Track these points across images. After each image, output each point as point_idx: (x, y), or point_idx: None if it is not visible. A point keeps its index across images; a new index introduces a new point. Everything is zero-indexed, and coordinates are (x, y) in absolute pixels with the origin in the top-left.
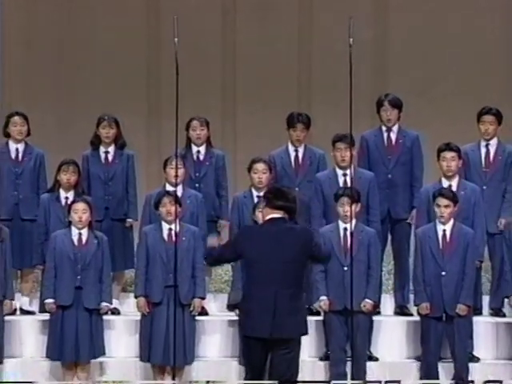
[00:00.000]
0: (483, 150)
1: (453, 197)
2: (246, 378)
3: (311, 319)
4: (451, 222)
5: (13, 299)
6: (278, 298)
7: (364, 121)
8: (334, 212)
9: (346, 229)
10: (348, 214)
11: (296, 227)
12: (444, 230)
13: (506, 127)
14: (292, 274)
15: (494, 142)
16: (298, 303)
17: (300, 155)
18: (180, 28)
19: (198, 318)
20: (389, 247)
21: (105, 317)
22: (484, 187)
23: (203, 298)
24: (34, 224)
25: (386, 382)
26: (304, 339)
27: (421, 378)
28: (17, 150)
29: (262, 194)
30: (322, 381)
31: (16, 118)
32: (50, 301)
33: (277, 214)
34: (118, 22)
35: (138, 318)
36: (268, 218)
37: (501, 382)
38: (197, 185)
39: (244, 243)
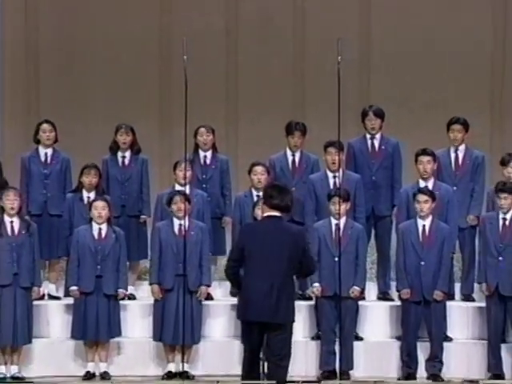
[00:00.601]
0: (453, 155)
1: (431, 194)
2: (244, 357)
3: (305, 303)
4: (430, 218)
5: (40, 286)
6: (272, 288)
7: (351, 129)
8: (325, 209)
9: (337, 224)
10: (338, 211)
11: (292, 226)
12: (424, 225)
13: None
14: (285, 268)
15: (462, 148)
16: (290, 293)
17: (297, 159)
18: (188, 46)
19: (204, 302)
20: (372, 240)
21: (121, 302)
22: (454, 187)
23: (209, 286)
24: (60, 219)
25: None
26: (298, 321)
27: (401, 356)
28: (46, 154)
29: (261, 193)
30: (313, 381)
31: (45, 126)
32: (74, 288)
33: (274, 213)
34: (133, 42)
35: (151, 302)
36: (266, 215)
37: (477, 381)
38: (203, 185)
39: (245, 238)
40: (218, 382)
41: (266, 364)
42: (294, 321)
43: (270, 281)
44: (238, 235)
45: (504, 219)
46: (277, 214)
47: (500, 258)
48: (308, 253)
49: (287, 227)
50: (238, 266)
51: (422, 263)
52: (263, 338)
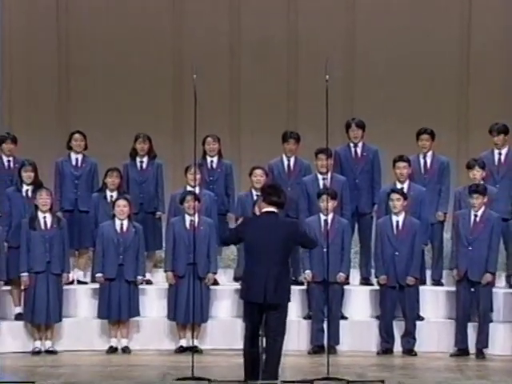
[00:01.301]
0: (422, 161)
1: (402, 193)
2: (245, 333)
3: (298, 288)
4: (403, 214)
5: (69, 272)
6: (269, 274)
7: (337, 138)
8: (316, 207)
9: (325, 220)
10: (327, 208)
11: (286, 220)
12: (397, 221)
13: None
14: (280, 256)
15: (429, 154)
16: (285, 278)
17: (291, 164)
18: (197, 66)
19: (211, 287)
20: (356, 234)
21: (140, 286)
22: (424, 188)
23: (215, 273)
24: (87, 215)
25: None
26: (292, 303)
27: (380, 333)
28: (76, 159)
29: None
30: (305, 380)
31: (76, 136)
32: (100, 274)
33: (271, 208)
34: (149, 63)
35: (166, 287)
36: (264, 210)
37: (467, 353)
38: (211, 186)
39: (245, 230)
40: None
41: (264, 340)
42: (289, 301)
43: (268, 267)
44: (239, 225)
45: (475, 215)
46: (274, 209)
47: (470, 248)
48: (306, 235)
49: (282, 221)
50: (229, 244)
51: (397, 253)
52: (262, 317)
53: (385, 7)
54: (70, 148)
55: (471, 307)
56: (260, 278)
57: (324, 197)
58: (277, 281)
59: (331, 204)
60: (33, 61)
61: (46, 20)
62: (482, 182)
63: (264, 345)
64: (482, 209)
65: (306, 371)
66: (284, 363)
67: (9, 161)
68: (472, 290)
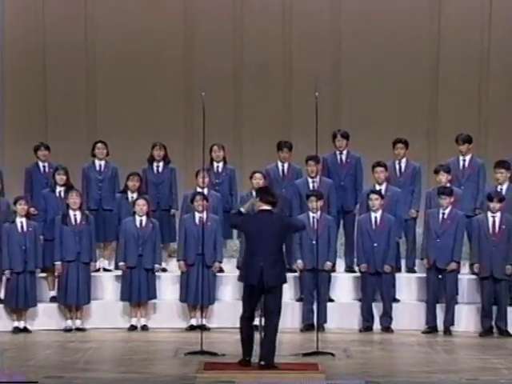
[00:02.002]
0: (397, 166)
1: (379, 193)
2: (242, 314)
3: (292, 275)
4: (380, 211)
5: (96, 261)
6: (266, 260)
7: (325, 147)
8: (307, 206)
9: (314, 217)
10: (315, 207)
11: (278, 215)
12: (375, 217)
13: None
14: (274, 246)
15: (404, 160)
16: (280, 264)
17: (285, 169)
18: (205, 85)
19: (217, 274)
20: (341, 228)
21: (157, 273)
22: (399, 190)
23: (221, 262)
24: (111, 213)
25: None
26: (286, 288)
27: (362, 313)
28: (100, 165)
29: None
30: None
31: (99, 145)
32: (122, 263)
33: (266, 207)
34: (164, 81)
35: (179, 274)
36: (260, 208)
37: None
38: (217, 188)
39: (246, 224)
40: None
41: (262, 319)
42: (285, 282)
43: (265, 255)
44: (242, 219)
45: (443, 213)
46: (269, 207)
47: (438, 241)
48: (295, 222)
49: (276, 216)
50: (235, 226)
51: (375, 245)
52: (260, 298)
53: (365, 35)
54: (94, 155)
55: (439, 291)
56: (258, 263)
57: (312, 198)
58: (273, 266)
59: (318, 204)
60: (65, 79)
61: (76, 42)
62: (448, 185)
63: (263, 323)
64: (449, 208)
65: (298, 346)
66: (280, 339)
67: (44, 166)
68: (440, 276)
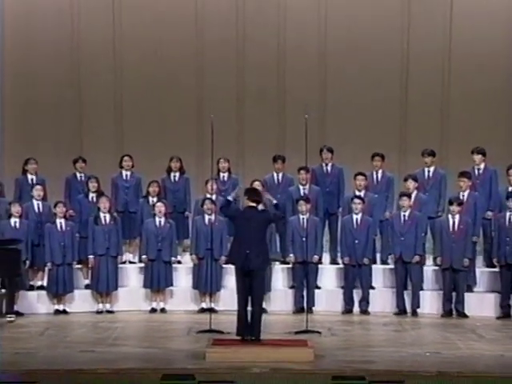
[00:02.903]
0: (374, 176)
1: (361, 199)
2: (238, 297)
3: (285, 266)
4: (360, 214)
5: (122, 255)
6: (250, 249)
7: (314, 159)
8: (297, 209)
9: (303, 218)
10: (304, 210)
11: (261, 210)
12: (356, 218)
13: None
14: (258, 235)
15: (380, 171)
16: (262, 251)
17: (280, 178)
18: (213, 108)
19: (223, 266)
20: (326, 228)
21: (173, 265)
22: (376, 195)
23: (226, 256)
24: (135, 215)
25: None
26: (279, 277)
27: (344, 298)
28: (126, 175)
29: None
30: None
31: (126, 158)
32: (144, 256)
33: (252, 204)
34: (180, 105)
35: (191, 266)
36: (248, 205)
37: (405, 313)
38: (223, 194)
39: (237, 217)
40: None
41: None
42: (268, 265)
43: (250, 243)
44: (236, 211)
45: (404, 215)
46: (254, 204)
47: (402, 238)
48: (274, 215)
49: (259, 211)
50: (228, 213)
51: (356, 241)
52: (248, 282)
53: (346, 66)
54: (121, 167)
55: (406, 280)
56: (245, 251)
57: (301, 202)
58: (257, 253)
59: (307, 207)
60: (97, 103)
61: (106, 66)
62: (410, 191)
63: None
64: (409, 210)
65: (290, 326)
66: (276, 320)
67: (80, 176)
68: (406, 267)
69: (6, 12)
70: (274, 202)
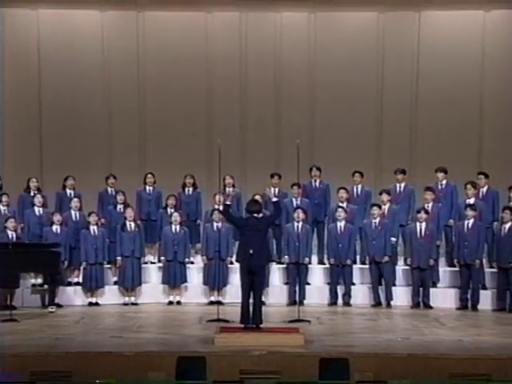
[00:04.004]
0: (355, 190)
1: (344, 209)
2: (243, 292)
3: (281, 266)
4: (344, 221)
5: (145, 256)
6: (254, 249)
7: (305, 176)
8: (292, 218)
9: (297, 226)
10: (300, 218)
11: (261, 217)
12: (340, 226)
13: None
14: (260, 240)
15: (360, 186)
16: (264, 251)
17: (277, 192)
18: (221, 134)
19: (229, 265)
20: (315, 234)
21: (187, 265)
22: (356, 207)
23: (232, 257)
24: (155, 222)
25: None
26: (276, 274)
27: (330, 292)
28: (149, 189)
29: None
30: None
31: (149, 175)
32: (163, 258)
33: (253, 213)
34: (187, 125)
35: (202, 265)
36: (250, 214)
37: (381, 304)
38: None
39: (241, 225)
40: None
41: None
42: (268, 263)
43: (253, 245)
44: (239, 219)
45: (375, 223)
46: (256, 215)
47: (374, 242)
48: (270, 218)
49: (259, 219)
50: (232, 217)
51: (340, 245)
52: (251, 279)
53: (331, 98)
54: (145, 183)
55: (380, 277)
56: (249, 251)
57: (299, 210)
58: (259, 253)
59: (301, 216)
60: (125, 131)
61: (129, 104)
62: (384, 203)
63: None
64: (379, 218)
65: (285, 315)
66: (273, 311)
67: (111, 190)
68: (379, 266)
69: (50, 62)
70: (274, 199)
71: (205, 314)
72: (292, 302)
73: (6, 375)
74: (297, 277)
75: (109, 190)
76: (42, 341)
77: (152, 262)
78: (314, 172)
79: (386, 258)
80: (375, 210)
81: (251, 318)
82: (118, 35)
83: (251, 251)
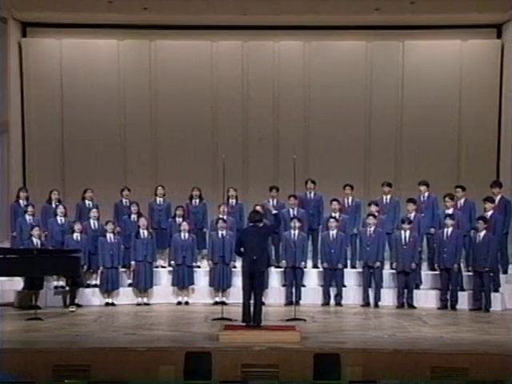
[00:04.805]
0: (346, 201)
1: (335, 218)
2: (244, 294)
3: (279, 270)
4: (335, 229)
5: (156, 261)
6: (257, 255)
7: (301, 189)
8: (289, 226)
9: (294, 233)
10: (297, 226)
11: (261, 226)
12: (333, 234)
13: (357, 190)
14: (261, 247)
15: (350, 198)
16: (264, 257)
17: (275, 203)
18: (225, 151)
19: (233, 269)
20: (310, 241)
21: (194, 269)
22: (347, 216)
23: (235, 261)
24: (165, 231)
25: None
26: (274, 277)
27: (323, 293)
28: (160, 201)
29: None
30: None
31: (159, 188)
32: (173, 262)
33: (254, 223)
34: (200, 150)
35: (208, 269)
36: (251, 224)
37: (369, 305)
38: (232, 215)
39: (242, 236)
40: None
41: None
42: (268, 267)
43: (256, 252)
44: (238, 234)
45: (370, 231)
46: (257, 224)
47: (367, 249)
48: (271, 227)
49: (260, 227)
50: (239, 247)
51: (332, 251)
52: (252, 282)
53: (324, 119)
54: (156, 194)
55: (371, 280)
56: (252, 257)
57: (295, 220)
58: (261, 259)
59: (297, 225)
60: (136, 148)
61: (143, 119)
62: (373, 213)
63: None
64: (373, 227)
65: (282, 315)
66: (272, 310)
67: (126, 201)
68: (371, 271)
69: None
70: (274, 212)
71: (210, 313)
72: (289, 302)
73: (6, 375)
74: (293, 279)
75: (123, 201)
76: (63, 337)
77: (163, 266)
78: (309, 185)
79: (378, 264)
80: (371, 220)
81: (252, 317)
82: (133, 61)
83: (255, 257)
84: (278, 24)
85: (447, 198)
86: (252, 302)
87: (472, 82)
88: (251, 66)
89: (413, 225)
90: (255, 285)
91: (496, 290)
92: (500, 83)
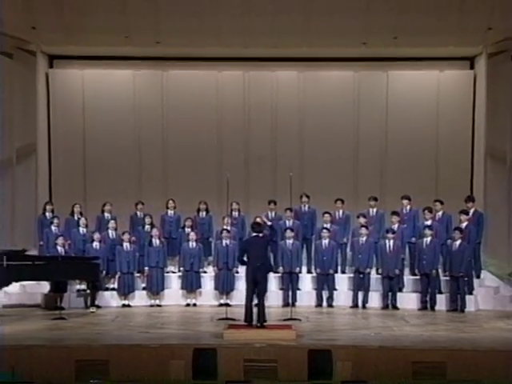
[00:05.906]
0: (337, 214)
1: (327, 229)
2: (247, 297)
3: (277, 275)
4: (328, 239)
5: (167, 267)
6: (259, 263)
7: (296, 202)
8: (285, 236)
9: (289, 242)
10: (291, 236)
11: (262, 236)
12: (325, 243)
13: (348, 204)
14: (262, 254)
15: (341, 211)
16: (266, 264)
17: (273, 215)
18: (229, 169)
19: (236, 274)
20: (304, 249)
21: (201, 274)
22: (338, 227)
23: (237, 267)
24: (175, 240)
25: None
26: (273, 282)
27: (317, 296)
28: (171, 213)
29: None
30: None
31: (170, 201)
32: (182, 268)
33: (256, 233)
34: (205, 168)
35: (213, 274)
36: (254, 234)
37: (358, 306)
38: (235, 226)
39: (246, 247)
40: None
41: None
42: (269, 273)
43: (258, 260)
44: (241, 244)
45: (362, 240)
46: (258, 234)
47: (360, 256)
48: (270, 236)
49: (261, 237)
50: (242, 256)
51: (325, 258)
52: (255, 287)
53: (315, 139)
54: (167, 207)
55: (361, 284)
56: (256, 265)
57: (288, 231)
58: (262, 265)
59: (291, 235)
60: (152, 167)
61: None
62: (365, 225)
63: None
64: (365, 237)
65: (280, 315)
66: (271, 312)
67: (140, 214)
68: (361, 276)
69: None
70: (269, 223)
71: (215, 313)
72: (286, 304)
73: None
74: (290, 283)
75: (138, 213)
76: (84, 335)
77: (173, 272)
78: (304, 199)
79: (369, 270)
80: (363, 231)
81: (256, 317)
82: (147, 89)
83: (258, 264)
84: (275, 56)
85: (426, 211)
86: (254, 304)
87: (448, 108)
88: (252, 93)
89: (396, 235)
90: (258, 289)
91: (470, 293)
92: (473, 109)
